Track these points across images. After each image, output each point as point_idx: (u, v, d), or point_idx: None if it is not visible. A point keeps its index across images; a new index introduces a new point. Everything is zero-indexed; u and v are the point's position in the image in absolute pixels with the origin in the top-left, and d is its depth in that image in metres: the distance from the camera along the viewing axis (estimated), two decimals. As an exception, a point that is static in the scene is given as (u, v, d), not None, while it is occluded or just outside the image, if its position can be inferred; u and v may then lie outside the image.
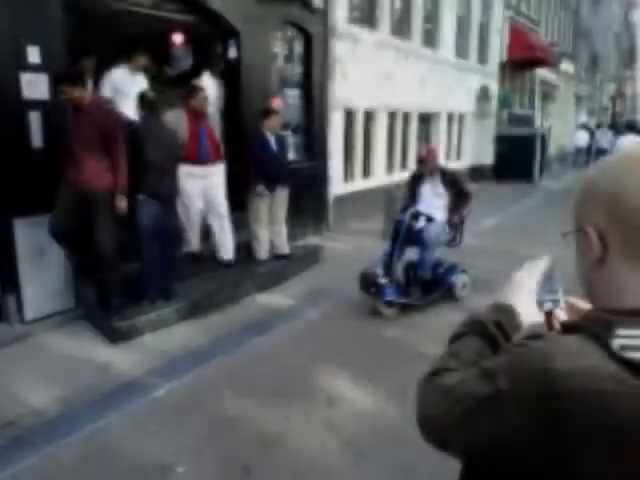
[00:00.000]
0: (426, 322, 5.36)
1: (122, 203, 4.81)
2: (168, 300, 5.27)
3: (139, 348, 4.77)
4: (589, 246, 0.93)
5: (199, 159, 5.77)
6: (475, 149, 16.19)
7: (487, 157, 16.55)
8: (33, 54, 4.68)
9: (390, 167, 11.69)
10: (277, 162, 6.50)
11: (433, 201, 5.94)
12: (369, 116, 10.57)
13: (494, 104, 16.88)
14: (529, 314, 1.11)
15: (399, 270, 5.86)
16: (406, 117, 12.09)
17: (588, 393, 0.80)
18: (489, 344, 1.05)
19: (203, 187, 5.90)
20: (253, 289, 6.11)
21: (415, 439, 1.08)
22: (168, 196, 5.20)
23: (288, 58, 8.48)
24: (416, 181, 6.11)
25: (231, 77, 7.17)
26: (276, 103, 7.89)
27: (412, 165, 12.46)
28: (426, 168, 5.93)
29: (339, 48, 9.09)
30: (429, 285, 5.84)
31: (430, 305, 5.76)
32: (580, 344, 0.85)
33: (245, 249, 6.64)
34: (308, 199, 8.03)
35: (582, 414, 0.80)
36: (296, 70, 8.66)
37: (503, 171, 16.06)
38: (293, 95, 8.64)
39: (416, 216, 5.72)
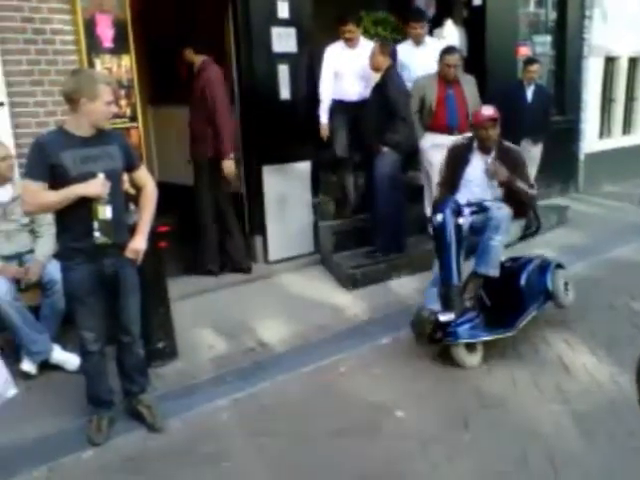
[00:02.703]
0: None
1: (231, 167, 4.72)
2: (399, 252, 5.31)
3: (369, 296, 4.90)
4: None
5: (446, 127, 5.29)
6: None
7: None
8: (282, 9, 4.96)
9: (658, 122, 10.17)
10: (530, 115, 6.06)
11: (484, 191, 4.08)
12: (634, 63, 9.29)
13: None
14: None
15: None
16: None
17: None
18: None
19: None
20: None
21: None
22: (409, 149, 5.18)
23: (539, 1, 7.78)
24: (459, 158, 4.22)
25: (475, 25, 6.84)
26: (523, 51, 7.36)
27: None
28: (487, 136, 4.02)
29: (600, -15, 8.07)
30: (513, 297, 4.01)
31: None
32: None
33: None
34: (556, 156, 7.33)
35: None
36: (548, 14, 7.91)
37: None
38: (543, 42, 7.94)
39: (458, 211, 3.75)
